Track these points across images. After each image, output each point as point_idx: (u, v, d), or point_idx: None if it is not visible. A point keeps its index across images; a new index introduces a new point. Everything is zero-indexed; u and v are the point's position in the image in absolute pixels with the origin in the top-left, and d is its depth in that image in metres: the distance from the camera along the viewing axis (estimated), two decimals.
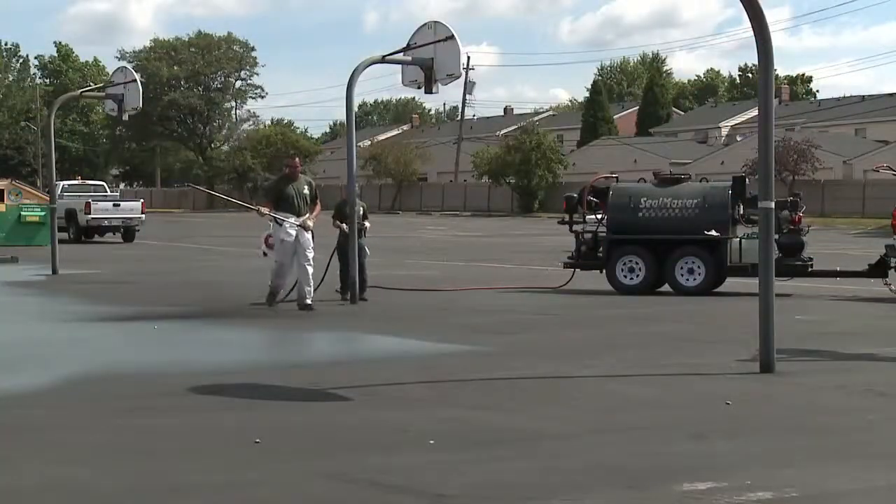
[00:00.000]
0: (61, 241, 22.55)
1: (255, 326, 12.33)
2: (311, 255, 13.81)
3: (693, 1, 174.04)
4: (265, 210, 13.96)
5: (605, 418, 7.10)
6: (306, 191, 14.05)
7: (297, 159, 14.86)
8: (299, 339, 11.46)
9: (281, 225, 13.81)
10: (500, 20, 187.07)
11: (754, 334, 9.08)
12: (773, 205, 9.04)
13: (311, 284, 13.76)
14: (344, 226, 15.16)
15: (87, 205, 33.77)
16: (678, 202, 16.37)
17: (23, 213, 31.14)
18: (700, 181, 17.51)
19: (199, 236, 38.84)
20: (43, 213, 29.85)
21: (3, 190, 31.56)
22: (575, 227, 17.34)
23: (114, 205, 34.63)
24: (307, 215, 13.92)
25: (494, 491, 5.28)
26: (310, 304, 13.60)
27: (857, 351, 10.15)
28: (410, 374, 8.84)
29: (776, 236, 15.93)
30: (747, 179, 17.11)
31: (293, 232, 13.76)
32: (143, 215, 35.03)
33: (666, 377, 8.76)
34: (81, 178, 47.73)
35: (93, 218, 33.69)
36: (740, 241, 16.07)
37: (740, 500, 5.09)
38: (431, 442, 6.32)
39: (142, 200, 36.29)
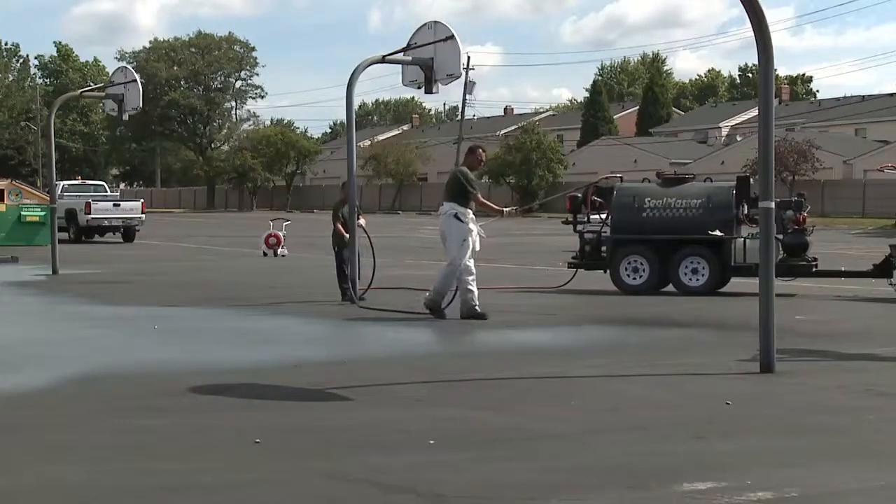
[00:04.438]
0: (61, 241, 22.55)
1: (254, 326, 12.33)
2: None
3: (697, 1, 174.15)
4: (494, 206, 12.92)
5: (605, 418, 7.10)
6: None
7: (485, 153, 13.34)
8: (299, 339, 11.45)
9: (464, 223, 12.64)
10: (503, 20, 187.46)
11: (754, 334, 9.07)
12: (773, 205, 9.02)
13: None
14: (346, 235, 15.13)
15: (87, 205, 33.80)
16: (682, 202, 16.35)
17: (23, 213, 31.16)
18: (704, 181, 17.50)
19: (199, 236, 38.85)
20: (43, 213, 29.88)
21: (3, 190, 31.58)
22: (579, 227, 17.35)
23: (114, 205, 34.68)
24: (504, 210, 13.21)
25: (494, 491, 5.28)
26: (481, 312, 12.55)
27: (857, 351, 10.14)
28: (410, 374, 8.84)
29: (780, 236, 15.95)
30: (751, 179, 17.10)
31: (477, 230, 12.73)
32: (143, 215, 35.09)
33: (666, 377, 8.75)
34: (81, 178, 47.77)
35: (93, 218, 33.73)
36: (744, 241, 16.02)
37: (740, 500, 5.08)
38: (431, 442, 6.31)
39: (142, 200, 36.35)
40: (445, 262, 12.93)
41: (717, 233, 15.94)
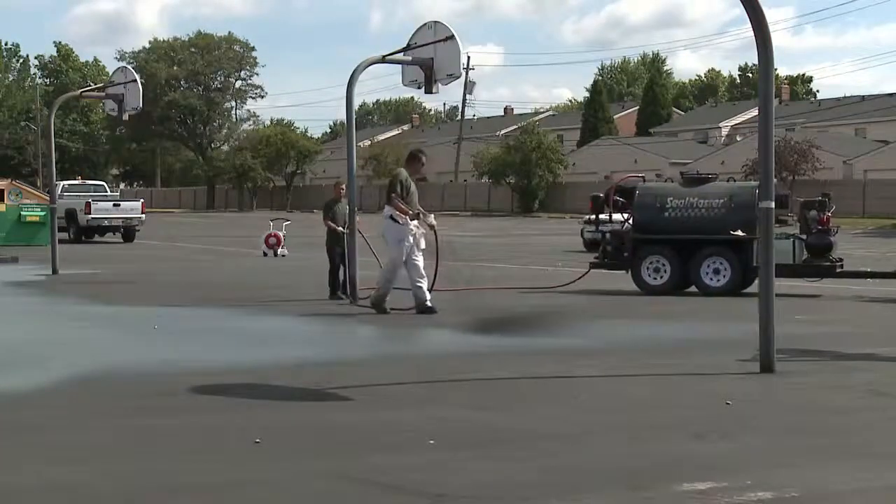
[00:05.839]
0: (61, 241, 22.55)
1: (254, 326, 12.33)
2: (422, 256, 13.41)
3: (697, 1, 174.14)
4: (403, 207, 13.18)
5: (605, 418, 7.10)
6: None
7: (425, 158, 14.21)
8: (299, 339, 11.45)
9: (401, 224, 13.25)
10: (504, 20, 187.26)
11: (755, 334, 9.07)
12: (773, 205, 9.07)
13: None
14: (338, 228, 15.29)
15: (87, 205, 33.81)
16: (704, 202, 16.28)
17: (23, 213, 31.18)
18: (727, 181, 17.42)
19: (199, 236, 38.85)
20: (43, 213, 29.89)
21: (3, 190, 31.60)
22: (601, 228, 17.34)
23: (114, 205, 34.70)
24: (430, 215, 13.68)
25: (494, 491, 5.28)
26: (431, 307, 13.12)
27: (857, 351, 10.15)
28: (410, 374, 8.84)
29: (804, 237, 15.88)
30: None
31: (415, 230, 13.29)
32: (143, 215, 35.10)
33: (666, 377, 8.76)
34: (81, 178, 47.76)
35: (93, 218, 33.74)
36: None
37: (740, 500, 5.08)
38: (431, 442, 6.31)
39: (142, 200, 36.37)
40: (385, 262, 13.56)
41: (739, 233, 15.83)
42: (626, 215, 16.98)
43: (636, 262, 16.43)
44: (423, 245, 13.39)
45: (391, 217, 13.30)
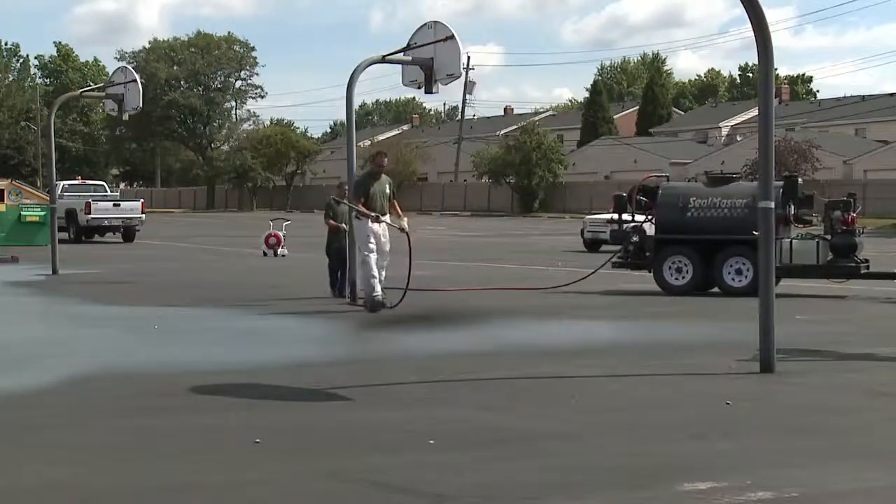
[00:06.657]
0: (61, 241, 22.54)
1: (254, 326, 12.34)
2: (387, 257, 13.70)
3: (698, 1, 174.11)
4: (363, 209, 13.45)
5: (605, 418, 7.10)
6: (387, 189, 13.81)
7: (385, 158, 14.61)
8: (299, 339, 11.45)
9: (364, 222, 13.51)
10: (504, 20, 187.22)
11: (755, 334, 9.07)
12: (772, 205, 9.06)
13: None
14: (341, 225, 15.33)
15: (87, 205, 33.78)
16: (727, 202, 16.15)
17: (23, 213, 31.16)
18: (752, 181, 17.30)
19: (199, 236, 38.84)
20: (43, 213, 29.87)
21: (3, 190, 31.59)
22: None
23: (114, 205, 34.67)
24: (404, 218, 13.81)
25: (494, 491, 5.28)
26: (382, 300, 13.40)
27: (857, 351, 10.15)
28: (410, 374, 8.84)
29: (828, 237, 15.81)
30: (799, 179, 16.87)
31: (380, 231, 13.52)
32: (143, 215, 35.07)
33: (666, 377, 8.76)
34: (81, 178, 47.72)
35: (93, 218, 33.72)
36: (791, 242, 15.77)
37: (740, 500, 5.09)
38: (431, 442, 6.32)
39: (142, 200, 36.34)
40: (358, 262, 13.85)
41: None
42: (648, 215, 16.89)
43: (658, 262, 16.35)
44: (387, 248, 13.62)
45: (356, 216, 13.65)
